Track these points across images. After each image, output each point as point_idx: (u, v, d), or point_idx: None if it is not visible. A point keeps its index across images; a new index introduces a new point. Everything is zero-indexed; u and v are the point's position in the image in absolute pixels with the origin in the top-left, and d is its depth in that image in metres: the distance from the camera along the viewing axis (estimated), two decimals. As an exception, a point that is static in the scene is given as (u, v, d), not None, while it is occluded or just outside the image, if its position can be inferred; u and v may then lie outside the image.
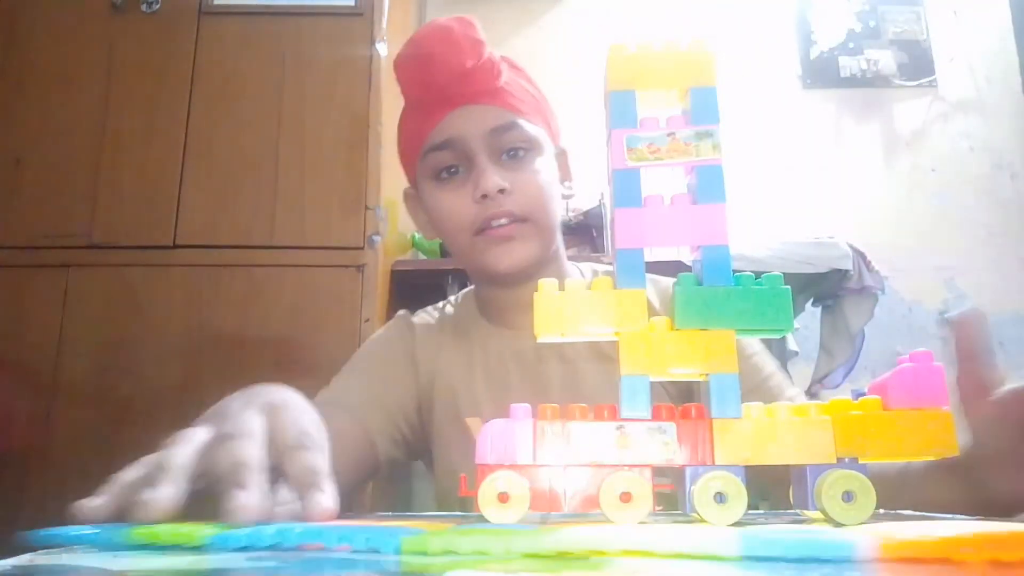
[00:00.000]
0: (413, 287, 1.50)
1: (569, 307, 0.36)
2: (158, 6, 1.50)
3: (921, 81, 2.21)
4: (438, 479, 0.78)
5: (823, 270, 1.62)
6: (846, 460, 0.35)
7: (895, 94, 2.22)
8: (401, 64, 0.72)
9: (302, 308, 1.37)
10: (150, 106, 1.46)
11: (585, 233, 1.76)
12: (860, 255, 1.65)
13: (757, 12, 2.29)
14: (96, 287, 1.38)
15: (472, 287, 0.84)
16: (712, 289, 0.36)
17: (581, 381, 0.74)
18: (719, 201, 0.37)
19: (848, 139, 2.21)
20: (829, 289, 1.69)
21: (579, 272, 0.81)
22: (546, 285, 0.37)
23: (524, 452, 0.35)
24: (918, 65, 2.22)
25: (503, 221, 0.70)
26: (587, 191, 1.66)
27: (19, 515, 1.26)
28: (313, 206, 1.41)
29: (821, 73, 2.26)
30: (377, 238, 1.40)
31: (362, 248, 1.39)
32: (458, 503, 0.75)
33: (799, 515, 0.38)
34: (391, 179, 1.45)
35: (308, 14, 1.50)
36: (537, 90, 0.77)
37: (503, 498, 0.34)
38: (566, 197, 0.81)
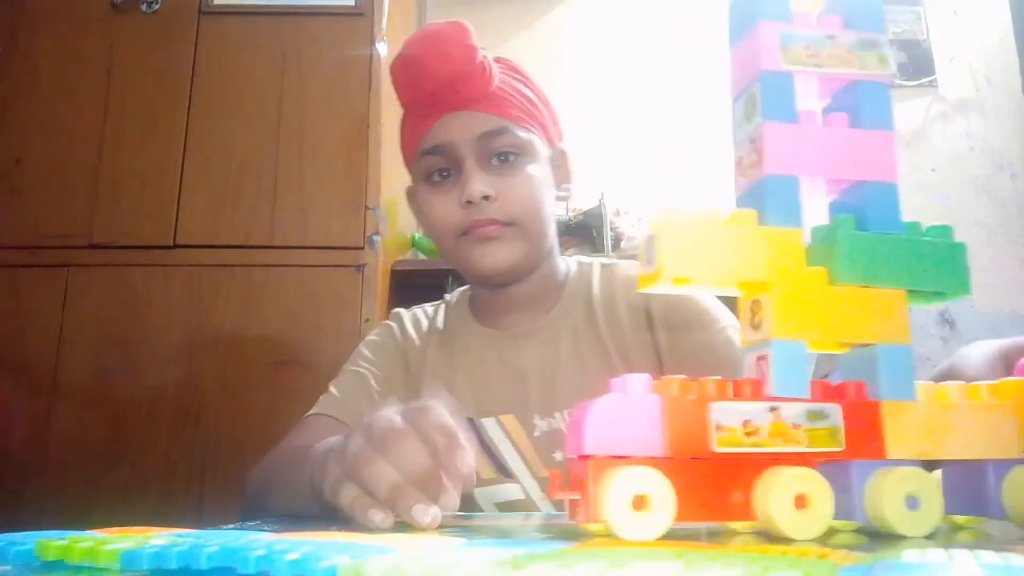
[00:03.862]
0: (413, 287, 1.50)
1: (701, 245, 0.27)
2: (158, 6, 1.50)
3: (921, 81, 2.21)
4: None
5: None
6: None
7: (895, 94, 2.19)
8: (394, 70, 0.74)
9: (302, 308, 1.37)
10: (150, 106, 1.46)
11: (585, 233, 1.76)
12: (860, 255, 1.65)
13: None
14: (96, 287, 1.38)
15: (468, 286, 0.85)
16: (882, 237, 0.28)
17: (561, 380, 0.74)
18: (887, 129, 0.30)
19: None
20: (829, 289, 1.68)
21: (566, 265, 0.82)
22: (668, 214, 0.27)
23: (654, 439, 0.26)
24: (918, 65, 2.22)
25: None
26: (587, 191, 1.67)
27: (18, 515, 1.26)
28: (313, 206, 1.41)
29: (821, 73, 2.25)
30: (377, 238, 1.40)
31: (362, 248, 1.39)
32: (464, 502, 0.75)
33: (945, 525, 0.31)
34: (391, 179, 1.45)
35: (308, 14, 1.50)
36: (535, 92, 0.77)
37: (639, 503, 0.25)
38: (561, 199, 0.81)
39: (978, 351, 0.45)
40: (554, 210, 0.78)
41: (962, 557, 0.21)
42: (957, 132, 2.18)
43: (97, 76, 1.47)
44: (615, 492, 0.25)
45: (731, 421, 0.26)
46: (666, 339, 0.74)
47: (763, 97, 0.29)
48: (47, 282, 1.38)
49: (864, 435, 0.27)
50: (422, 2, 2.11)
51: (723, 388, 0.27)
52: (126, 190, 1.42)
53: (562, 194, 0.81)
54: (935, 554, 0.21)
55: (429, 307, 0.86)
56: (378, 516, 0.37)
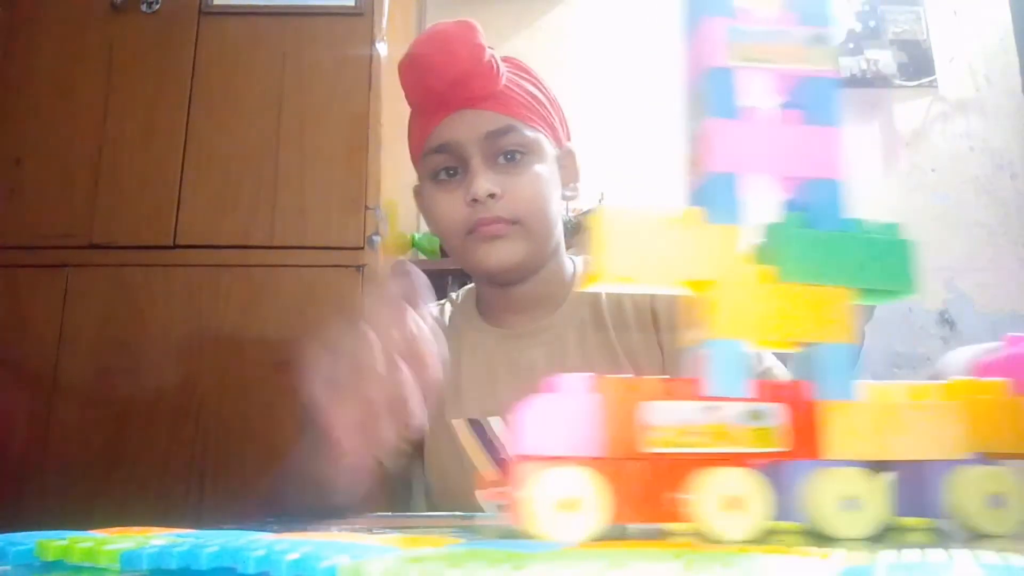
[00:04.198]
0: (413, 287, 1.50)
1: (644, 244, 0.27)
2: (158, 6, 1.50)
3: (921, 81, 2.21)
4: (426, 477, 0.78)
5: (823, 270, 1.61)
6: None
7: (895, 94, 2.21)
8: (401, 70, 0.74)
9: (302, 308, 1.36)
10: (150, 106, 1.46)
11: (585, 233, 1.76)
12: (860, 255, 1.65)
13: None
14: (96, 287, 1.38)
15: (473, 284, 0.85)
16: (826, 235, 0.28)
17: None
18: (833, 124, 0.30)
19: (848, 139, 2.21)
20: (829, 289, 1.68)
21: (573, 264, 0.82)
22: (611, 212, 0.28)
23: (589, 438, 0.26)
24: (918, 65, 2.22)
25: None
26: (587, 191, 1.66)
27: (18, 515, 1.26)
28: (313, 206, 1.41)
29: (821, 73, 2.25)
30: (377, 238, 1.40)
31: (362, 248, 1.39)
32: (449, 503, 0.75)
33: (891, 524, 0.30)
34: (391, 179, 1.45)
35: (308, 14, 1.50)
36: (544, 91, 0.78)
37: (567, 504, 0.25)
38: (568, 199, 0.81)
39: (959, 356, 0.45)
40: (561, 209, 0.78)
41: (962, 557, 0.21)
42: (957, 132, 2.17)
43: (97, 76, 1.47)
44: (539, 493, 0.25)
45: (665, 421, 0.26)
46: (669, 339, 0.74)
47: (706, 94, 0.29)
48: (47, 282, 1.38)
49: (804, 435, 0.27)
50: (422, 2, 2.11)
51: (662, 388, 0.27)
52: (126, 190, 1.42)
53: (569, 193, 0.81)
54: (935, 554, 0.21)
55: (434, 306, 0.86)
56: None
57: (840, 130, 0.29)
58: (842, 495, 0.27)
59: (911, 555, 0.21)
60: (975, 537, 0.27)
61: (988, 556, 0.21)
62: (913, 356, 1.95)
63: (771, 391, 0.27)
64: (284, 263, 1.39)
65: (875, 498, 0.26)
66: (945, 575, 0.18)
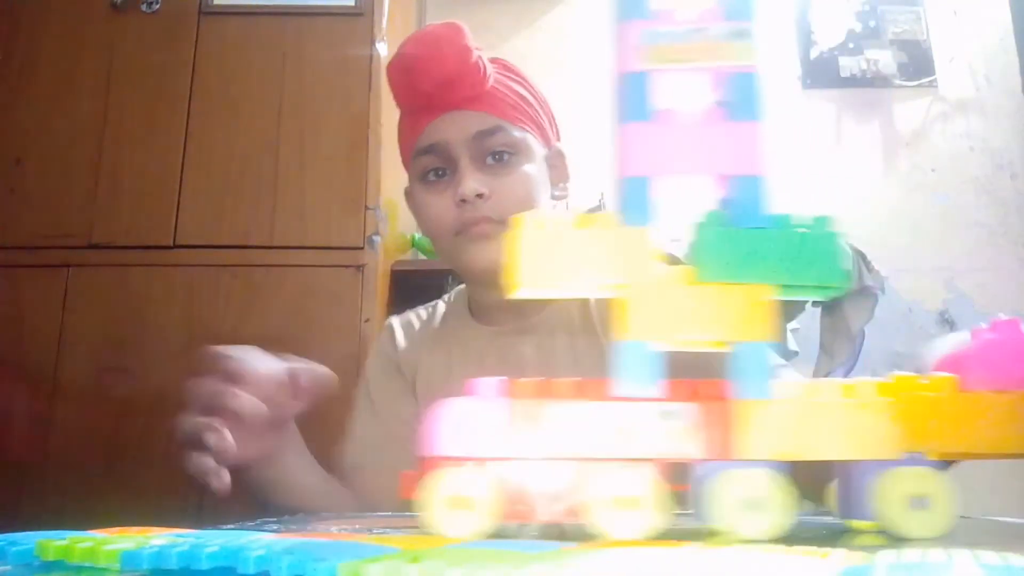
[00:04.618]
0: (413, 287, 1.50)
1: (555, 250, 0.27)
2: (158, 6, 1.50)
3: (921, 81, 2.20)
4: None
5: (823, 270, 1.61)
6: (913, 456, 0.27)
7: (895, 94, 2.21)
8: (389, 72, 0.75)
9: (302, 308, 1.37)
10: (150, 106, 1.46)
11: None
12: (860, 255, 1.65)
13: (757, 12, 2.28)
14: (96, 287, 1.38)
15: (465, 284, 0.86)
16: (741, 232, 0.27)
17: (558, 376, 0.74)
18: (752, 119, 0.29)
19: (848, 139, 2.21)
20: (829, 289, 1.68)
21: None
22: (525, 221, 0.28)
23: (489, 441, 0.27)
24: (918, 65, 2.22)
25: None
26: (587, 191, 1.66)
27: (18, 515, 1.26)
28: (313, 206, 1.41)
29: (821, 73, 2.25)
30: (377, 238, 1.40)
31: (362, 248, 1.39)
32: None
33: (844, 526, 0.31)
34: (391, 179, 1.45)
35: (308, 14, 1.50)
36: (532, 92, 0.78)
37: (459, 502, 0.26)
38: (557, 199, 0.82)
39: (941, 346, 0.44)
40: (550, 209, 0.79)
41: (962, 557, 0.21)
42: (957, 132, 2.17)
43: (97, 76, 1.47)
44: (432, 493, 0.26)
45: (572, 422, 0.27)
46: None
47: (620, 98, 0.29)
48: (47, 282, 1.38)
49: (717, 435, 0.27)
50: (422, 2, 2.11)
51: (573, 389, 0.28)
52: (126, 190, 1.42)
53: (559, 193, 0.82)
54: (935, 554, 0.21)
55: (423, 309, 0.88)
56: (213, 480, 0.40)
57: (760, 125, 0.28)
58: (743, 495, 0.26)
59: (911, 555, 0.21)
60: (900, 540, 0.26)
61: (988, 556, 0.21)
62: (913, 356, 1.94)
63: (684, 391, 0.27)
64: (284, 263, 1.39)
65: (776, 498, 0.26)
66: (945, 575, 0.18)
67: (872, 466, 0.27)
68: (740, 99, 0.28)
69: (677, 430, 0.26)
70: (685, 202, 0.29)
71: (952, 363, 0.29)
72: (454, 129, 0.73)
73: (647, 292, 0.27)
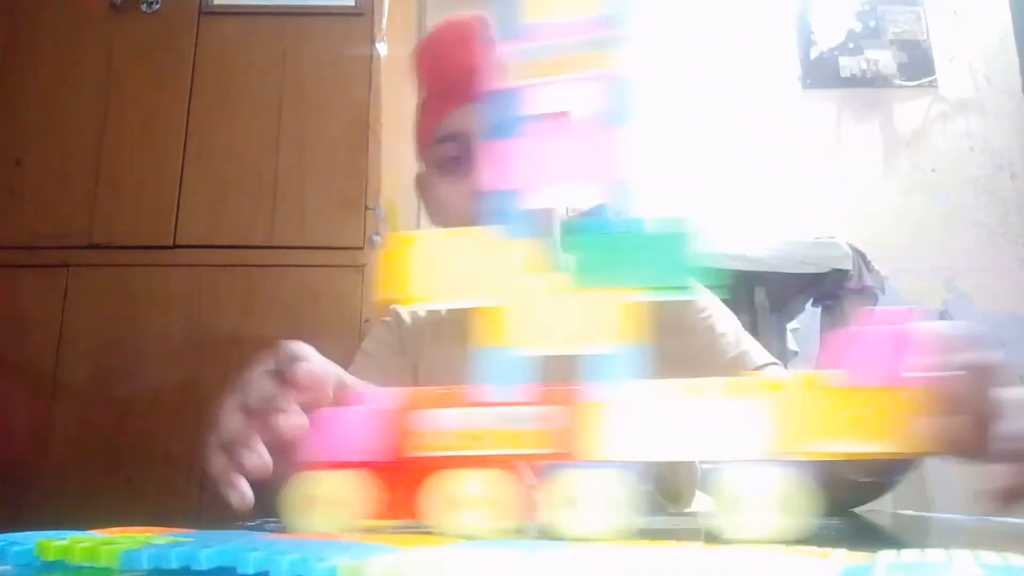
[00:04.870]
0: (413, 287, 1.50)
1: (426, 264, 0.29)
2: (158, 6, 1.50)
3: (921, 81, 2.21)
4: None
5: (823, 270, 1.61)
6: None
7: (895, 94, 2.21)
8: (417, 57, 0.75)
9: (302, 308, 1.36)
10: (150, 106, 1.46)
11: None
12: (860, 255, 1.65)
13: (757, 12, 2.29)
14: (96, 287, 1.38)
15: None
16: (599, 237, 0.29)
17: (575, 368, 0.74)
18: (615, 124, 0.30)
19: (848, 139, 2.21)
20: (829, 289, 1.68)
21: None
22: (396, 237, 0.29)
23: (350, 446, 0.29)
24: (918, 65, 2.22)
25: None
26: (587, 191, 1.66)
27: (18, 515, 1.26)
28: (313, 206, 1.41)
29: (821, 73, 2.25)
30: (377, 238, 1.40)
31: (362, 248, 1.39)
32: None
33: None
34: (391, 179, 1.45)
35: (308, 14, 1.50)
36: None
37: (317, 502, 0.29)
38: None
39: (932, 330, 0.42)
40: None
41: (962, 557, 0.21)
42: (957, 132, 2.18)
43: (97, 76, 1.47)
44: (291, 492, 0.30)
45: (428, 427, 0.28)
46: (658, 340, 0.74)
47: (481, 120, 0.30)
48: (47, 282, 1.38)
49: (569, 437, 0.27)
50: (422, 2, 2.11)
51: (439, 397, 0.29)
52: (126, 190, 1.42)
53: None
54: (935, 554, 0.21)
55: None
56: (234, 495, 0.38)
57: (621, 129, 0.29)
58: (570, 495, 0.27)
59: (911, 555, 0.21)
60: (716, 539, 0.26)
61: (988, 556, 0.21)
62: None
63: (545, 395, 0.28)
64: (284, 263, 1.39)
65: (609, 499, 0.26)
66: (945, 575, 0.18)
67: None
68: (608, 106, 0.30)
69: (527, 432, 0.27)
70: (563, 210, 0.31)
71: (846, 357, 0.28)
72: (476, 120, 0.73)
73: (511, 301, 0.28)
